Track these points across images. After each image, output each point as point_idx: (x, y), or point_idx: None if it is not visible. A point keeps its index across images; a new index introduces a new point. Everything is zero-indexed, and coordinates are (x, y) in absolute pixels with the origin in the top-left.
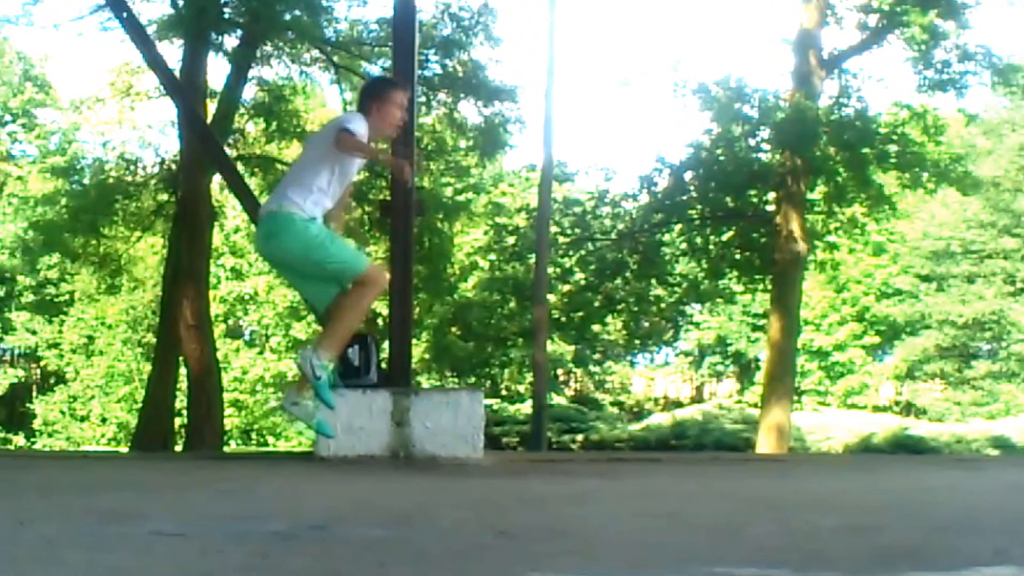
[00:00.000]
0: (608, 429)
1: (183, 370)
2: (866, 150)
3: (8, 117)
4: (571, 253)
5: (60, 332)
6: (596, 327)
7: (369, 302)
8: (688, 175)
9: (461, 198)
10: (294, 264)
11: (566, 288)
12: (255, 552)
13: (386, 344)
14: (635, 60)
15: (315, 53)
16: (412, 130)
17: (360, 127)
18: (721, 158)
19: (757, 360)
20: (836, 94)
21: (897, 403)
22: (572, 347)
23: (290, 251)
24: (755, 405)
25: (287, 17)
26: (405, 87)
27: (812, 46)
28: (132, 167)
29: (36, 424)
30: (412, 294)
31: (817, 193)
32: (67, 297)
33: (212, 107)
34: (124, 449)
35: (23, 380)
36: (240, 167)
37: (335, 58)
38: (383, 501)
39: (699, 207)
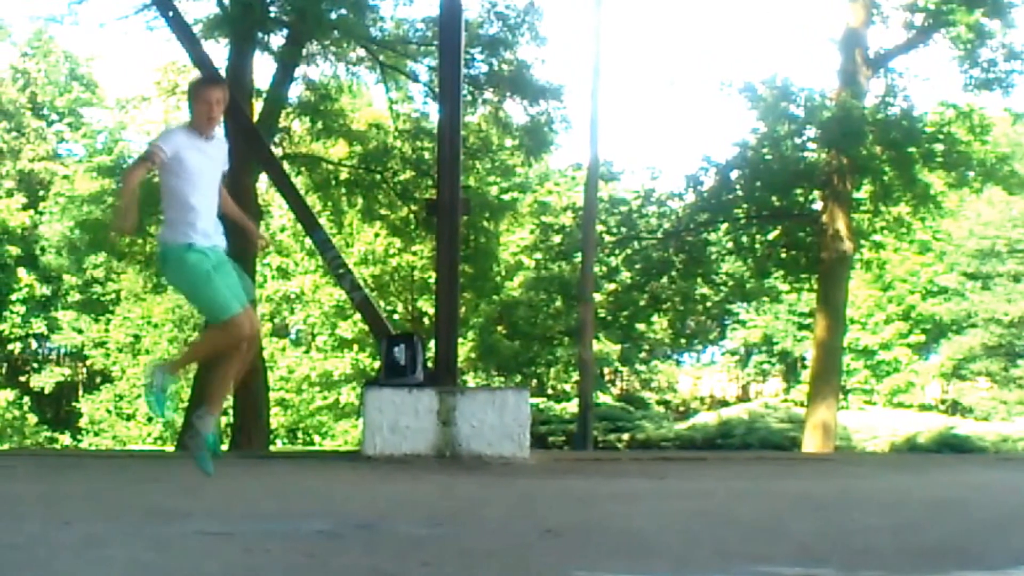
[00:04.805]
0: (654, 428)
1: None
2: (912, 149)
3: (55, 116)
4: (617, 252)
5: (106, 331)
6: (642, 326)
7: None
8: (734, 174)
9: (507, 197)
10: None
11: (612, 287)
12: (301, 551)
13: (432, 343)
14: (681, 59)
15: (361, 52)
16: (458, 129)
17: (165, 138)
18: (767, 157)
19: (803, 359)
20: (882, 93)
21: (943, 402)
22: (618, 346)
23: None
24: (801, 404)
25: (333, 16)
26: (215, 83)
27: (858, 45)
28: None
29: (82, 423)
30: (458, 293)
31: (863, 192)
32: (113, 296)
33: (258, 106)
34: (170, 448)
35: (69, 379)
36: (286, 166)
37: (381, 57)
38: (429, 500)
39: (745, 206)
